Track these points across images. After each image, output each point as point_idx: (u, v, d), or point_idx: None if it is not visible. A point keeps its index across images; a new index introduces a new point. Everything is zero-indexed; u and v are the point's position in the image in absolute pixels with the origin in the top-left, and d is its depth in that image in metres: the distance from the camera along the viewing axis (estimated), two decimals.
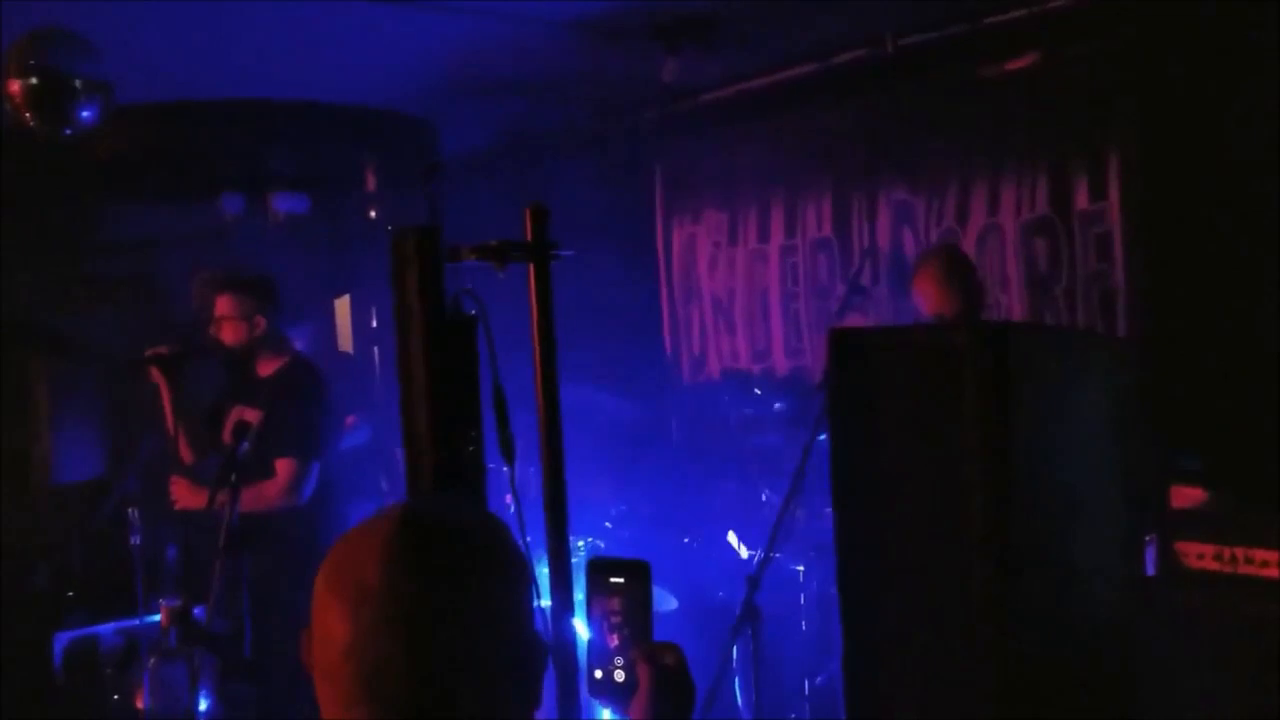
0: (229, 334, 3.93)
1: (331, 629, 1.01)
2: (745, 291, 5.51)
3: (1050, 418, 1.83)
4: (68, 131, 3.30)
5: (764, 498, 4.40)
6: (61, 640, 4.70)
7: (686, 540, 4.59)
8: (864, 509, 1.95)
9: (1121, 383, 2.08)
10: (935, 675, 1.90)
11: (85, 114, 3.31)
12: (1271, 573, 2.86)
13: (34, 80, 3.24)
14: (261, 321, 3.93)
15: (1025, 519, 1.79)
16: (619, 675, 1.40)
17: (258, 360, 3.99)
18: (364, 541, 1.04)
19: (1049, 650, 1.89)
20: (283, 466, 3.81)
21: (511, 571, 1.08)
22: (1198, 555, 2.99)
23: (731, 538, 4.46)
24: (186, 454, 4.00)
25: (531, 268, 1.90)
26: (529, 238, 1.90)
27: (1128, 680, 2.12)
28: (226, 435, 3.85)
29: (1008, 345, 1.74)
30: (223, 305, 3.94)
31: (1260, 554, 2.88)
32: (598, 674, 1.41)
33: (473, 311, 1.81)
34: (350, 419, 4.98)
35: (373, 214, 6.64)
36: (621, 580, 1.46)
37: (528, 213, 1.92)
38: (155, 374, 3.86)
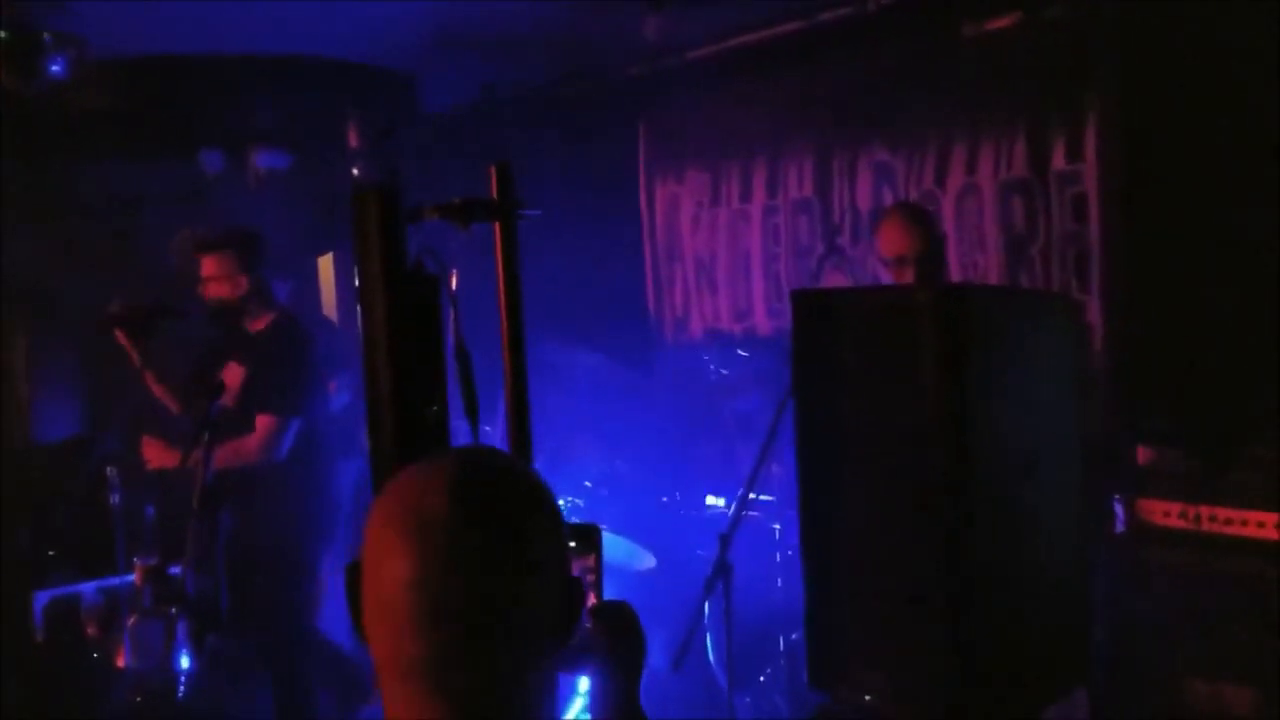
0: (215, 292, 3.96)
1: (393, 565, 1.07)
2: (727, 252, 5.51)
3: (1007, 375, 1.84)
4: (37, 86, 3.27)
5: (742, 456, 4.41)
6: (42, 599, 4.73)
7: (666, 499, 4.61)
8: (827, 464, 1.96)
9: (1076, 342, 2.10)
10: (894, 625, 1.93)
11: (55, 68, 3.28)
12: (1236, 530, 2.90)
13: (2, 34, 3.20)
14: (246, 280, 3.95)
15: (982, 473, 1.81)
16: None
17: (245, 317, 4.02)
18: (426, 483, 1.10)
19: (1005, 600, 1.91)
20: (262, 422, 3.85)
21: (556, 515, 1.15)
22: (1163, 513, 3.03)
23: (712, 499, 4.48)
24: (174, 407, 4.04)
25: (497, 227, 1.90)
26: (494, 196, 1.90)
27: (1084, 631, 2.15)
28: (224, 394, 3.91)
29: (964, 304, 1.75)
30: (209, 265, 3.96)
31: (1225, 512, 2.92)
32: None
33: (435, 270, 1.81)
34: (332, 385, 4.97)
35: (355, 171, 6.59)
36: (573, 545, 1.50)
37: (493, 171, 1.91)
38: (119, 335, 3.89)
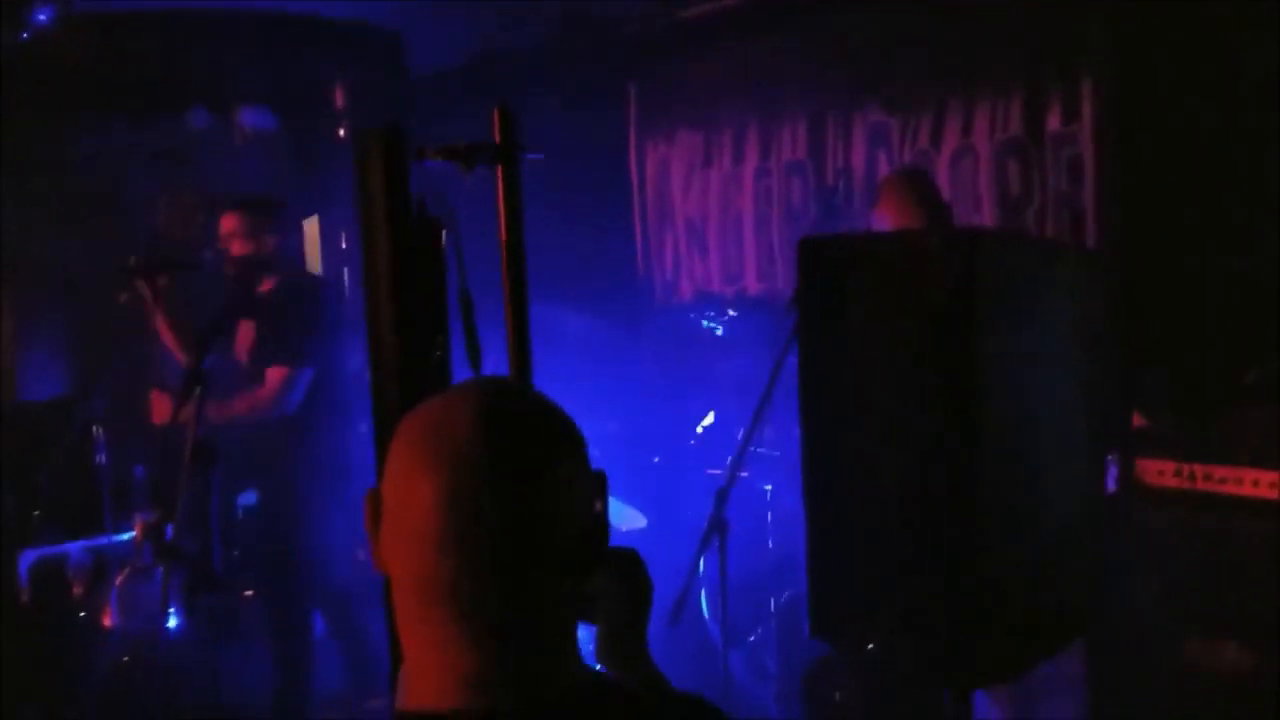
0: (236, 250, 4.01)
1: (421, 488, 1.05)
2: (719, 214, 5.48)
3: (1018, 325, 1.83)
4: (24, 35, 3.21)
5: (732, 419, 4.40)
6: (28, 559, 4.69)
7: (656, 459, 4.61)
8: (831, 416, 1.95)
9: (1090, 294, 2.09)
10: (897, 574, 1.92)
11: (41, 17, 3.22)
12: (1230, 489, 2.91)
13: None
14: (270, 241, 4.01)
15: (991, 421, 1.79)
16: None
17: (262, 275, 4.05)
18: (454, 407, 1.09)
19: (1010, 550, 1.91)
20: (273, 374, 3.88)
21: (581, 447, 1.14)
22: (1158, 472, 3.04)
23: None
24: (184, 360, 4.05)
25: (500, 170, 1.88)
26: (497, 140, 1.87)
27: (1087, 587, 2.16)
28: (238, 349, 3.98)
29: (977, 251, 1.73)
30: (229, 223, 4.01)
31: (1219, 471, 2.92)
32: None
33: (439, 214, 1.79)
34: None
35: (342, 132, 6.52)
36: None
37: (496, 113, 1.89)
38: (141, 286, 3.89)
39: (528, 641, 1.08)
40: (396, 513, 1.08)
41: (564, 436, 1.12)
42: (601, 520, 1.17)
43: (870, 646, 1.98)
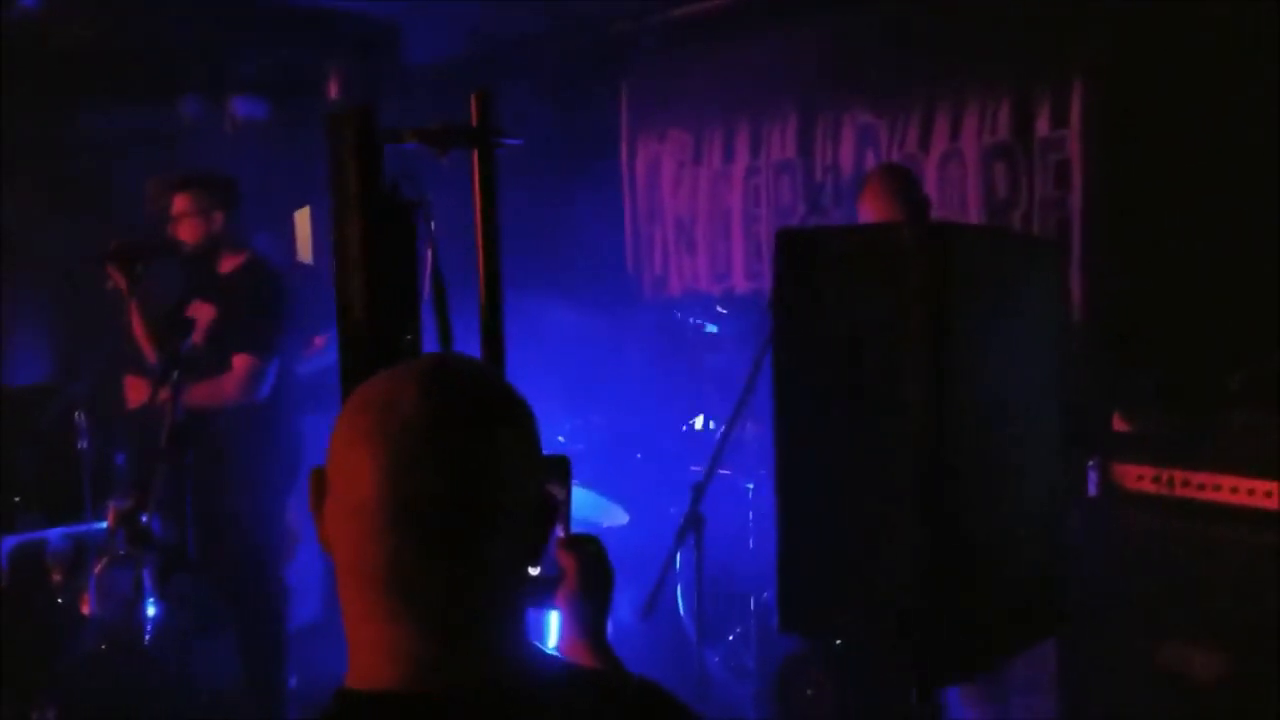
0: (187, 232, 3.91)
1: (361, 463, 1.02)
2: (708, 212, 5.48)
3: (991, 319, 1.82)
4: (6, 16, 3.18)
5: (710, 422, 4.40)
6: (7, 545, 4.67)
7: (639, 456, 4.60)
8: (805, 408, 1.94)
9: (1056, 287, 2.08)
10: (866, 569, 1.91)
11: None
12: (1209, 495, 2.91)
13: None
14: (219, 218, 3.91)
15: (958, 415, 1.79)
16: (534, 569, 1.39)
17: (217, 258, 3.96)
18: (397, 381, 1.05)
19: (979, 546, 1.90)
20: (240, 362, 3.81)
21: (530, 423, 1.11)
22: (1137, 477, 3.04)
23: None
24: (149, 352, 3.98)
25: (476, 154, 1.86)
26: (474, 123, 1.86)
27: (1058, 585, 2.15)
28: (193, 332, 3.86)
29: (948, 241, 1.73)
30: (180, 203, 3.93)
31: (1198, 477, 2.92)
32: None
33: (413, 197, 1.77)
34: (319, 340, 4.89)
35: None
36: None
37: (474, 97, 1.88)
38: (113, 272, 3.82)
39: (472, 621, 1.05)
40: (339, 489, 1.05)
41: (511, 413, 1.09)
42: (554, 502, 1.15)
43: (839, 642, 1.97)
